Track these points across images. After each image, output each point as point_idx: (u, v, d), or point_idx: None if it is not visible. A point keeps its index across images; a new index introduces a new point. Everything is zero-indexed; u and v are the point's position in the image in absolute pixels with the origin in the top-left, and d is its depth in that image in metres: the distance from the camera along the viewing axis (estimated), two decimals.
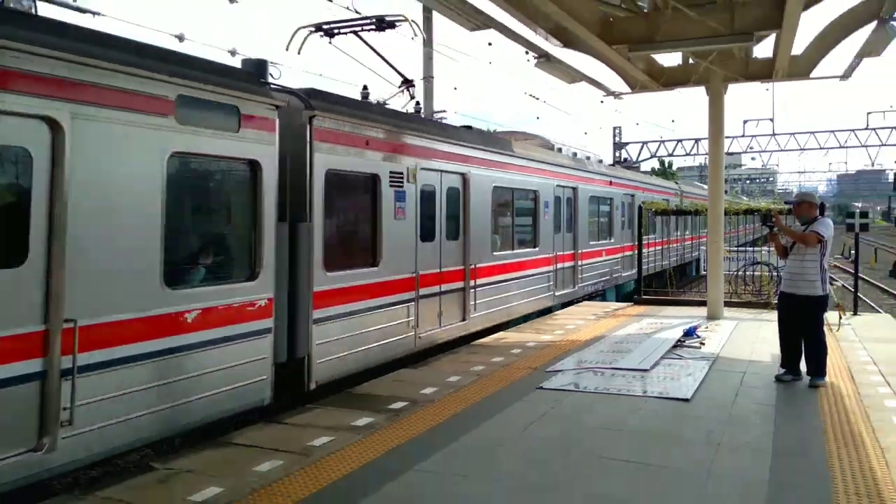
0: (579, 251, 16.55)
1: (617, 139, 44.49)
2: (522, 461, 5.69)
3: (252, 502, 4.82)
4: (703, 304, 14.23)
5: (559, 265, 15.32)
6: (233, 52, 13.79)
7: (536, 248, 14.24)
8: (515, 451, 5.92)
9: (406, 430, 6.46)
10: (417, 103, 11.32)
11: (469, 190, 11.41)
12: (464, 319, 11.26)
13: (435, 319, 10.47)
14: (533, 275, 13.95)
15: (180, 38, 11.83)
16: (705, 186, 35.47)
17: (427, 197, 10.32)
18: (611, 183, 19.14)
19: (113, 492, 5.02)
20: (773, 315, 8.80)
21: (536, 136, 15.99)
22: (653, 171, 44.09)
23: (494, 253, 12.36)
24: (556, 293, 15.14)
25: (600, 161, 16.50)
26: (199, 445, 6.11)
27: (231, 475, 5.30)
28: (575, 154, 14.45)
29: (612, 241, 19.12)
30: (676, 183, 25.27)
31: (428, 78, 20.04)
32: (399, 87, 10.99)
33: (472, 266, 11.41)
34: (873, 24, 11.23)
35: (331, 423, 6.66)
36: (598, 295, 18.07)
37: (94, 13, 9.17)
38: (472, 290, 11.41)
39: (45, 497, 5.14)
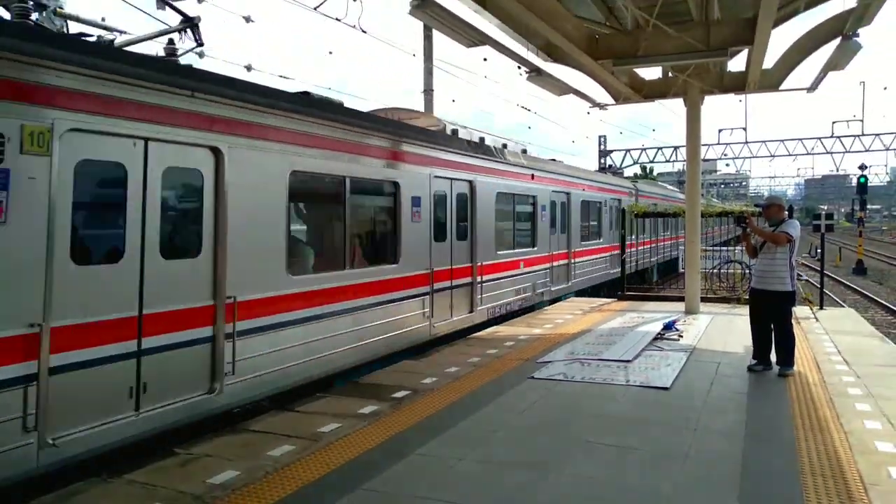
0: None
1: (602, 147, 44.53)
2: (515, 445, 5.72)
3: (266, 484, 4.84)
4: (681, 299, 14.25)
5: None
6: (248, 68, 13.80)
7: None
8: (509, 436, 5.95)
9: (408, 416, 6.48)
10: (201, 44, 8.38)
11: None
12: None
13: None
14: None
15: (200, 54, 11.82)
16: (668, 186, 35.55)
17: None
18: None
19: (137, 475, 5.03)
20: (746, 310, 8.82)
21: (422, 114, 14.01)
22: (635, 177, 44.13)
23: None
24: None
25: (524, 151, 14.72)
26: (217, 432, 6.12)
27: (247, 459, 5.32)
28: (482, 139, 12.71)
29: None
30: (633, 182, 24.45)
31: (428, 91, 20.08)
32: (179, 25, 8.01)
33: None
34: (837, 40, 11.26)
35: (339, 410, 6.69)
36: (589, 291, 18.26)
37: (120, 32, 9.15)
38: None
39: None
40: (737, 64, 13.42)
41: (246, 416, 6.62)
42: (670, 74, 13.94)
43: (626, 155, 45.79)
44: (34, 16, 7.25)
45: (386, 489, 4.78)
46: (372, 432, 6.01)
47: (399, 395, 7.26)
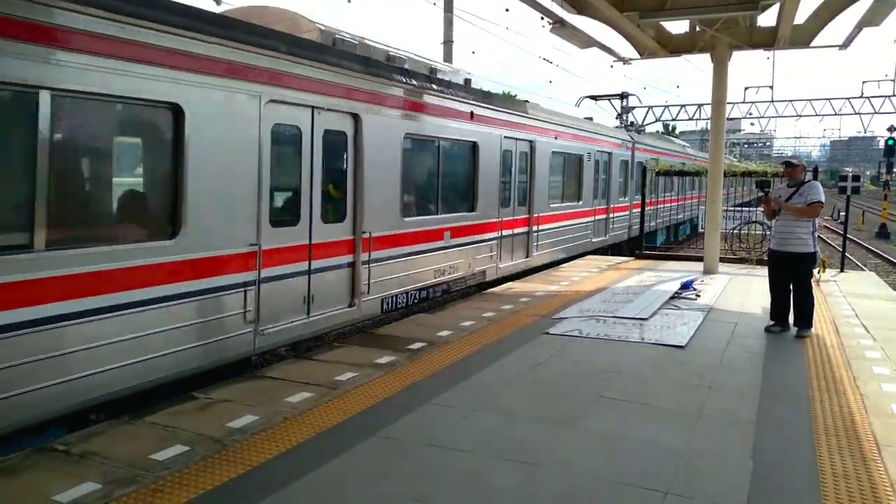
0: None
1: (624, 103, 43.74)
2: (528, 398, 5.78)
3: (284, 429, 4.94)
4: (699, 259, 14.18)
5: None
6: None
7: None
8: (523, 389, 6.02)
9: (424, 367, 6.56)
10: None
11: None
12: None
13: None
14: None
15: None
16: (675, 140, 34.76)
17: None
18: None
19: (157, 418, 5.15)
20: (765, 271, 8.76)
21: (281, 11, 13.78)
22: (657, 134, 43.45)
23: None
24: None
25: (467, 79, 15.20)
26: (235, 378, 6.24)
27: (265, 405, 5.43)
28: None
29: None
30: (629, 133, 23.36)
31: (448, 42, 19.75)
32: None
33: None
34: None
35: (356, 359, 6.78)
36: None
37: None
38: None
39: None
40: (767, 18, 13.04)
41: (263, 363, 6.72)
42: (698, 28, 13.56)
43: (648, 112, 44.97)
44: None
45: (402, 436, 4.87)
46: (388, 381, 6.10)
47: (415, 346, 7.34)
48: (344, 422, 5.12)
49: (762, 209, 9.16)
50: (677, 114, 45.56)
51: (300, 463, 4.40)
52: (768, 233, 15.04)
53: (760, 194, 8.81)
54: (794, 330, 8.20)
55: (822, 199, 8.10)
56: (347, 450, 4.62)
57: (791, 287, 8.24)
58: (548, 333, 8.01)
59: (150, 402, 5.53)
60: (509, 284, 11.76)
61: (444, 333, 7.92)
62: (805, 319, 8.14)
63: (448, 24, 19.80)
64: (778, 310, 8.37)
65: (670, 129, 57.79)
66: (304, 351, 7.21)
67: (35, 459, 4.39)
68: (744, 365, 6.90)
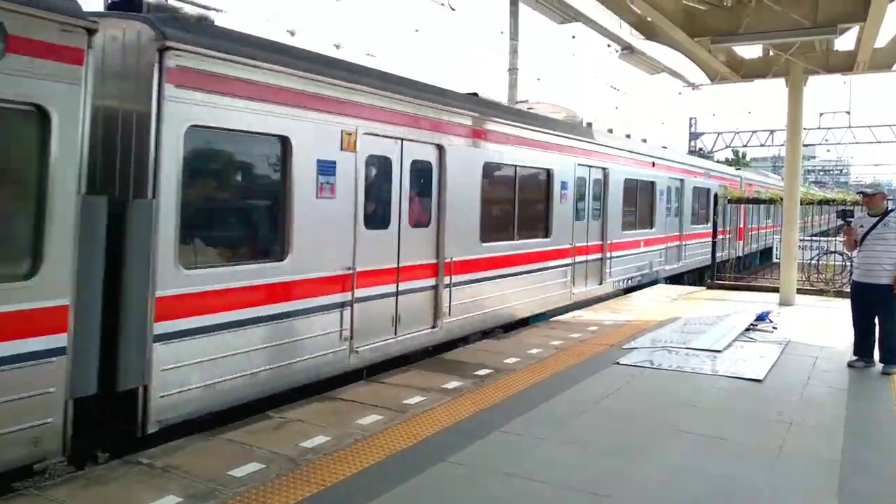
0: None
1: (692, 129, 43.09)
2: (600, 429, 5.71)
3: (356, 451, 5.03)
4: (774, 290, 13.75)
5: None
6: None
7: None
8: (593, 420, 5.95)
9: (490, 394, 6.57)
10: None
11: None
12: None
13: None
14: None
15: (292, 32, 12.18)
16: (769, 174, 33.81)
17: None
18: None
19: (234, 435, 5.33)
20: (845, 303, 8.44)
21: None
22: (727, 161, 42.51)
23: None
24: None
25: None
26: (308, 399, 6.39)
27: (337, 426, 5.54)
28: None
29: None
30: (738, 170, 22.97)
31: (513, 70, 19.93)
32: None
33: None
34: None
35: (423, 384, 6.84)
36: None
37: (217, 10, 9.47)
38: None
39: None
40: (844, 42, 12.71)
41: (335, 384, 6.86)
42: (771, 53, 13.33)
43: (717, 138, 44.11)
44: None
45: (472, 462, 4.88)
46: (456, 407, 6.13)
47: (481, 372, 7.36)
48: (414, 446, 5.17)
49: (842, 239, 8.86)
50: (748, 140, 44.50)
51: (372, 485, 4.46)
52: (848, 264, 14.58)
53: (841, 223, 8.53)
54: (879, 366, 7.85)
55: None
56: (418, 474, 4.66)
57: (876, 320, 7.91)
58: (618, 364, 7.90)
59: (224, 421, 5.72)
60: (577, 313, 11.66)
61: (511, 361, 7.91)
62: (892, 354, 7.78)
63: (513, 51, 20.01)
64: (862, 344, 8.04)
65: (740, 155, 56.40)
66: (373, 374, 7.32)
67: (122, 471, 4.60)
68: (826, 401, 6.65)
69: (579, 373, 7.46)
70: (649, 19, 10.54)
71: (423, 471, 4.71)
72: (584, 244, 12.42)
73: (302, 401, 6.28)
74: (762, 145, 44.93)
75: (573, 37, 23.92)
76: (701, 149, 40.24)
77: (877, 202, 8.08)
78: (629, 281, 14.64)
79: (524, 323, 10.51)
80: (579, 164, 12.07)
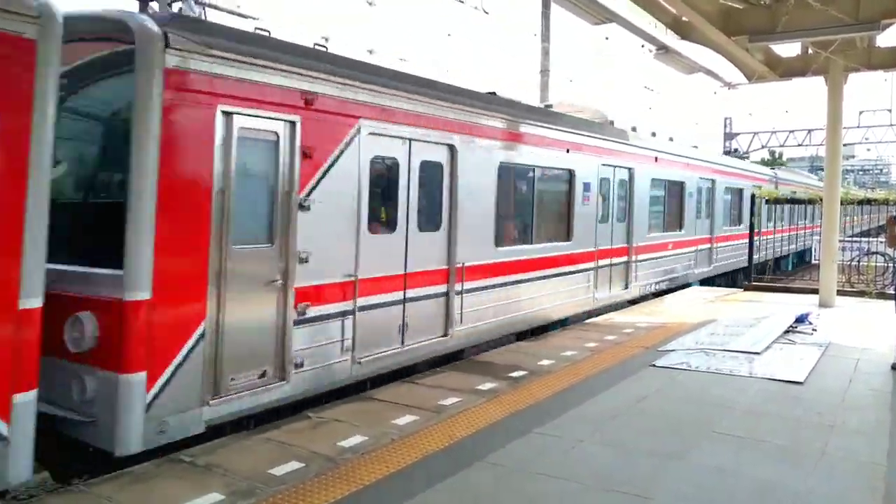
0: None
1: (727, 129, 42.47)
2: (636, 430, 5.68)
3: (393, 450, 5.08)
4: (812, 291, 13.49)
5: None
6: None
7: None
8: (630, 422, 5.91)
9: (526, 396, 6.57)
10: None
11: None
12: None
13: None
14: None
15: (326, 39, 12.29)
16: (811, 175, 33.07)
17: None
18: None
19: (273, 434, 5.42)
20: (887, 305, 8.25)
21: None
22: (762, 162, 41.75)
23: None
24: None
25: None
26: (345, 399, 6.46)
27: (374, 426, 5.59)
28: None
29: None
30: (773, 169, 22.16)
31: (544, 71, 19.88)
32: None
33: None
34: None
35: (458, 385, 6.87)
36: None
37: (254, 19, 9.63)
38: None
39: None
40: (887, 38, 12.44)
41: (370, 385, 6.93)
42: (810, 51, 13.11)
43: (753, 138, 43.39)
44: (176, 5, 7.81)
45: (509, 463, 4.89)
46: (491, 408, 6.14)
47: (516, 374, 7.35)
48: (450, 446, 5.20)
49: (884, 238, 8.67)
50: (785, 140, 43.69)
51: (410, 484, 4.50)
52: (891, 265, 14.24)
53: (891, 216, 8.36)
54: None
55: None
56: (455, 473, 4.69)
57: None
58: (654, 366, 7.84)
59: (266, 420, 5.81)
60: (610, 315, 11.58)
61: (546, 363, 7.90)
62: None
63: (545, 53, 19.96)
64: None
65: (776, 155, 55.37)
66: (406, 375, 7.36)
67: (164, 468, 4.71)
68: (869, 403, 6.52)
69: (615, 375, 7.42)
70: (685, 19, 10.44)
71: (459, 471, 4.73)
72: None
73: (338, 401, 6.36)
74: (800, 145, 44.06)
75: (606, 38, 23.80)
76: (736, 149, 39.63)
77: None
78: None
79: (544, 329, 10.15)
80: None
